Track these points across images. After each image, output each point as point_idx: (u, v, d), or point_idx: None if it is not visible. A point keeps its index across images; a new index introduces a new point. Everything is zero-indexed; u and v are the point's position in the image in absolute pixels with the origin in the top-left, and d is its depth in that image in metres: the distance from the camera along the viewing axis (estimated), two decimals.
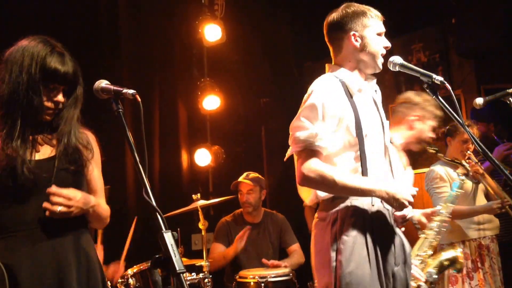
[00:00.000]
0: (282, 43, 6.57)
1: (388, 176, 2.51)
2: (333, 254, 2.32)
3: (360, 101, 2.48)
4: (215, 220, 5.01)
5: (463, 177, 3.87)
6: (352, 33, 2.49)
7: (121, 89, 1.94)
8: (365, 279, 2.29)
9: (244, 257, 4.62)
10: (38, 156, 2.13)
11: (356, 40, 2.48)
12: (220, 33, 5.83)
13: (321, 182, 2.34)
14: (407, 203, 2.29)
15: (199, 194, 4.08)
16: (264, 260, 4.47)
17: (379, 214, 2.42)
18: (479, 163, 4.32)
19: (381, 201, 2.41)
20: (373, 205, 2.39)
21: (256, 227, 4.76)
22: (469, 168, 4.25)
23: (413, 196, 2.34)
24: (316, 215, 2.50)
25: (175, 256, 1.72)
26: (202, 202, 4.02)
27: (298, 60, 6.66)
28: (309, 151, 2.35)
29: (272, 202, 5.92)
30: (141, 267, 3.42)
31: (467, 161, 4.28)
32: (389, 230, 2.44)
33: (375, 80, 2.62)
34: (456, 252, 3.57)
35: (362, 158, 2.40)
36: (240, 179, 4.76)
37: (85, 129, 2.30)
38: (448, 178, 4.13)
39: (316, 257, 2.43)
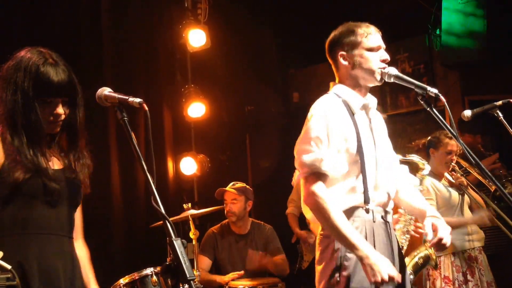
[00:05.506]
0: (266, 50, 6.56)
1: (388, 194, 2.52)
2: (338, 271, 2.36)
3: (362, 119, 2.52)
4: (200, 230, 4.92)
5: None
6: (340, 53, 2.54)
7: (127, 97, 1.91)
8: None
9: (231, 269, 4.55)
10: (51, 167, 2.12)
11: (345, 59, 2.52)
12: (204, 38, 5.71)
13: (317, 210, 2.37)
14: (378, 278, 2.23)
15: (189, 204, 4.04)
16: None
17: (380, 229, 2.45)
18: (464, 175, 4.34)
19: (382, 216, 2.47)
20: (374, 221, 2.43)
21: (243, 238, 4.69)
22: (453, 180, 4.26)
23: (392, 278, 2.24)
24: (320, 231, 2.50)
25: (185, 263, 1.73)
26: (193, 211, 3.96)
27: (282, 68, 6.62)
28: (316, 174, 2.37)
29: (256, 210, 5.86)
30: (133, 277, 3.35)
31: (451, 173, 4.30)
32: (390, 244, 2.48)
33: (375, 100, 2.63)
34: (428, 250, 3.57)
35: (364, 177, 2.43)
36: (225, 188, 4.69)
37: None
38: (435, 190, 4.13)
39: (321, 275, 2.44)
